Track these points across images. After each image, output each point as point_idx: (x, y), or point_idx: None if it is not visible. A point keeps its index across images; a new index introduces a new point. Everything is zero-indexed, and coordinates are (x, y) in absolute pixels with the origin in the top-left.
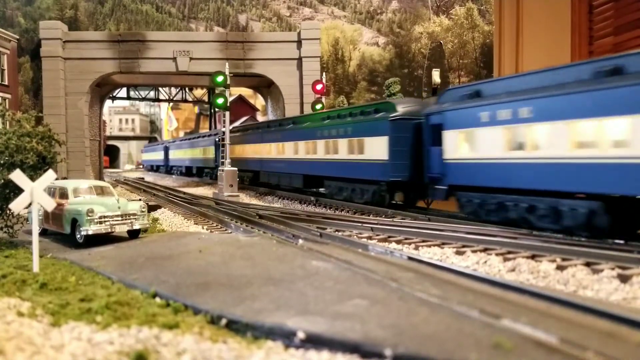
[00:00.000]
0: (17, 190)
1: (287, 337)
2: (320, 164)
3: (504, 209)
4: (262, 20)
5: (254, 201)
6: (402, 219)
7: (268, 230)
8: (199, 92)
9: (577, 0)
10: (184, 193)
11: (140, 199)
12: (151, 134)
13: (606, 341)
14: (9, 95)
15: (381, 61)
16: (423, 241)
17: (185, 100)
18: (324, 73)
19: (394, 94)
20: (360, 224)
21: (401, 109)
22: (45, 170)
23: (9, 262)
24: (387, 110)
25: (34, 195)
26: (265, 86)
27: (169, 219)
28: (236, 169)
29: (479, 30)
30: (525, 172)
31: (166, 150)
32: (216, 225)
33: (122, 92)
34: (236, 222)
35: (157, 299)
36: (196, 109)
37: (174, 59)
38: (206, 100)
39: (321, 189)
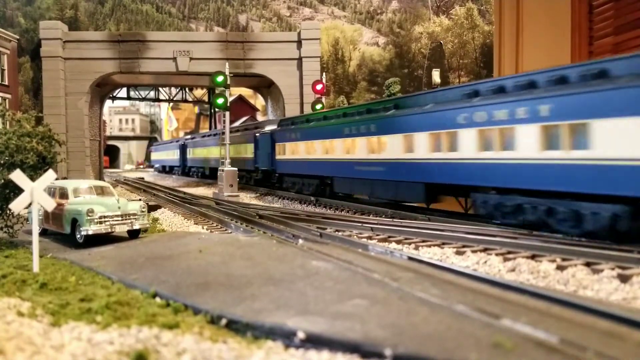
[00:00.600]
0: (17, 190)
1: (287, 337)
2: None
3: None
4: (262, 20)
5: (254, 201)
6: (402, 219)
7: (268, 230)
8: (199, 92)
9: (577, 0)
10: (184, 193)
11: (140, 199)
12: (151, 134)
13: (606, 341)
14: (9, 95)
15: (381, 61)
16: (423, 241)
17: (185, 100)
18: (324, 73)
19: (394, 94)
20: (360, 224)
21: None
22: (45, 170)
23: (9, 262)
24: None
25: (34, 195)
26: (265, 86)
27: (169, 219)
28: (236, 169)
29: (479, 30)
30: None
31: (183, 148)
32: (216, 225)
33: (122, 92)
34: (236, 222)
35: (157, 299)
36: (196, 109)
37: (174, 59)
38: (206, 100)
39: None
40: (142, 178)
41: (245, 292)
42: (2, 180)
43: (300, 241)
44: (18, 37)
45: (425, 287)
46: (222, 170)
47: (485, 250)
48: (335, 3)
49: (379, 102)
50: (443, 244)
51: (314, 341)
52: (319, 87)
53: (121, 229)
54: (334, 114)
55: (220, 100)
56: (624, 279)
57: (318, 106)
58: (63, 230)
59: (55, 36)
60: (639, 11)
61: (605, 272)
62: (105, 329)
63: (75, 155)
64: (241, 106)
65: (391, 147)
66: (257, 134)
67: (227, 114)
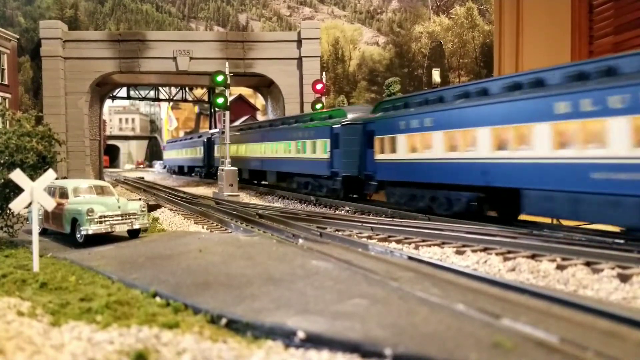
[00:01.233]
0: (17, 190)
1: (287, 337)
2: None
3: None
4: (262, 20)
5: (254, 201)
6: (401, 218)
7: (268, 229)
8: (199, 92)
9: (577, 0)
10: (184, 193)
11: (140, 199)
12: (151, 134)
13: (606, 341)
14: (9, 95)
15: (381, 61)
16: (423, 241)
17: (185, 100)
18: (324, 73)
19: (394, 94)
20: (360, 224)
21: None
22: (45, 170)
23: (9, 261)
24: None
25: (34, 195)
26: (265, 86)
27: (169, 218)
28: (236, 168)
29: (479, 29)
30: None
31: (209, 144)
32: (216, 225)
33: (122, 92)
34: (236, 221)
35: (157, 299)
36: (196, 109)
37: (174, 58)
38: (206, 99)
39: None
40: (142, 178)
41: (245, 291)
42: (2, 180)
43: (301, 241)
44: (18, 36)
45: (425, 287)
46: (222, 170)
47: (485, 249)
48: (335, 2)
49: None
50: (443, 243)
51: (314, 341)
52: (319, 86)
53: (121, 229)
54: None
55: (220, 100)
56: (624, 278)
57: (318, 106)
58: (63, 230)
59: (55, 36)
60: (639, 11)
61: (605, 272)
62: (105, 329)
63: (75, 154)
64: (241, 106)
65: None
66: (337, 126)
67: (227, 113)
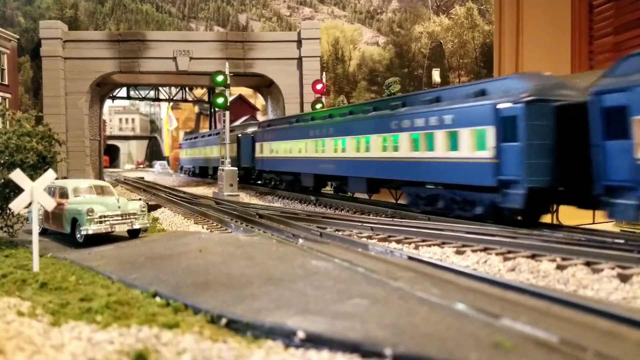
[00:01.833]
0: (17, 190)
1: (287, 337)
2: None
3: None
4: (262, 20)
5: (254, 201)
6: (402, 218)
7: (268, 229)
8: (199, 92)
9: (577, 0)
10: (184, 192)
11: (140, 199)
12: (151, 134)
13: (606, 341)
14: (9, 95)
15: (381, 61)
16: (423, 241)
17: (185, 100)
18: (324, 73)
19: (393, 94)
20: (360, 224)
21: None
22: (45, 170)
23: (9, 261)
24: None
25: (34, 195)
26: (265, 86)
27: (169, 218)
28: (236, 168)
29: (479, 29)
30: None
31: (250, 142)
32: (216, 225)
33: (122, 92)
34: (236, 221)
35: (157, 299)
36: (196, 109)
37: (174, 58)
38: (206, 99)
39: None
40: (142, 178)
41: (245, 291)
42: (2, 180)
43: (301, 241)
44: (18, 36)
45: (425, 287)
46: (222, 170)
47: (485, 249)
48: (335, 3)
49: None
50: (443, 243)
51: (314, 341)
52: (319, 86)
53: (121, 229)
54: None
55: (220, 100)
56: (623, 278)
57: (318, 105)
58: (63, 230)
59: (55, 36)
60: (639, 11)
61: (605, 272)
62: (105, 329)
63: (75, 154)
64: (241, 106)
65: None
66: (509, 105)
67: (227, 113)
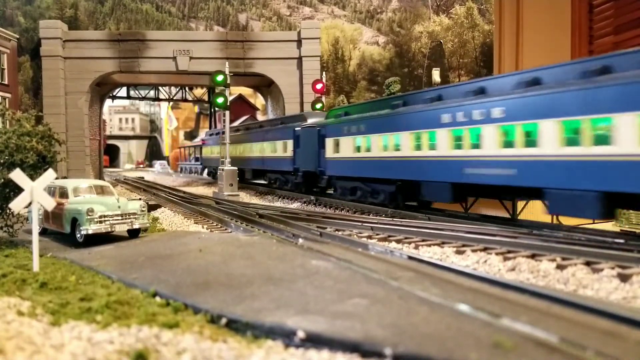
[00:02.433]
0: (17, 190)
1: (287, 337)
2: None
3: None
4: (262, 20)
5: (254, 200)
6: (402, 218)
7: (268, 229)
8: (199, 92)
9: (577, 0)
10: (184, 192)
11: (140, 199)
12: (151, 134)
13: (606, 340)
14: (9, 95)
15: (381, 60)
16: (423, 240)
17: (185, 100)
18: (324, 72)
19: (393, 93)
20: (360, 224)
21: None
22: (45, 170)
23: (9, 261)
24: None
25: (34, 195)
26: (265, 85)
27: (169, 218)
28: (236, 168)
29: (479, 29)
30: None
31: (314, 137)
32: (216, 225)
33: (122, 92)
34: (236, 221)
35: (157, 298)
36: (196, 109)
37: (174, 58)
38: (206, 99)
39: None
40: (142, 177)
41: (245, 291)
42: (2, 180)
43: (301, 240)
44: (18, 36)
45: (425, 287)
46: (222, 170)
47: (485, 249)
48: (335, 2)
49: None
50: (443, 243)
51: (314, 340)
52: (319, 86)
53: (121, 229)
54: None
55: (220, 100)
56: (623, 278)
57: (318, 105)
58: (63, 230)
59: (55, 35)
60: (638, 10)
61: (605, 272)
62: (105, 329)
63: (75, 154)
64: (241, 105)
65: None
66: None
67: (227, 113)
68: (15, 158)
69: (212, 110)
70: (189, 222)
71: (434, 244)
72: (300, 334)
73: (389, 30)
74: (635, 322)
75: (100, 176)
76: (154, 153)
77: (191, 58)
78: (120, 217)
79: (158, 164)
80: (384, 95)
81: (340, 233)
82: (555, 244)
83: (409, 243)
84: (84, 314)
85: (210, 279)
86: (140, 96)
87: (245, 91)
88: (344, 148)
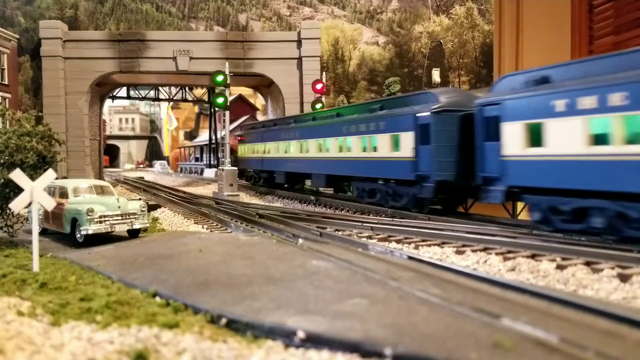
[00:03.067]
0: (17, 190)
1: (287, 337)
2: None
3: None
4: (262, 20)
5: (254, 200)
6: (402, 218)
7: (268, 229)
8: (199, 92)
9: (577, 0)
10: (184, 192)
11: (140, 199)
12: (151, 134)
13: (606, 340)
14: (9, 95)
15: (381, 60)
16: (423, 240)
17: (185, 100)
18: (324, 72)
19: (393, 94)
20: (360, 224)
21: None
22: (45, 170)
23: (8, 261)
24: None
25: (34, 195)
26: (265, 86)
27: (169, 218)
28: (236, 168)
29: (479, 29)
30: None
31: (454, 125)
32: (216, 225)
33: (122, 92)
34: (236, 221)
35: (157, 299)
36: (196, 109)
37: (174, 58)
38: (206, 99)
39: None
40: (142, 177)
41: (245, 291)
42: (2, 180)
43: (300, 240)
44: (18, 36)
45: (425, 287)
46: (222, 170)
47: (485, 249)
48: (335, 2)
49: None
50: (443, 243)
51: (314, 340)
52: (319, 86)
53: (121, 229)
54: None
55: (220, 100)
56: (623, 278)
57: (318, 105)
58: (63, 230)
59: (55, 35)
60: (638, 10)
61: (605, 272)
62: (105, 329)
63: (75, 154)
64: (241, 105)
65: None
66: None
67: (227, 113)
68: (15, 158)
69: (212, 110)
70: (189, 222)
71: (434, 244)
72: (300, 334)
73: (389, 31)
74: (635, 322)
75: (100, 176)
76: (154, 153)
77: (191, 58)
78: (120, 217)
79: (158, 164)
80: (383, 96)
81: (340, 233)
82: (555, 244)
83: (409, 243)
84: (84, 314)
85: (210, 279)
86: (140, 96)
87: (245, 91)
88: (557, 138)
